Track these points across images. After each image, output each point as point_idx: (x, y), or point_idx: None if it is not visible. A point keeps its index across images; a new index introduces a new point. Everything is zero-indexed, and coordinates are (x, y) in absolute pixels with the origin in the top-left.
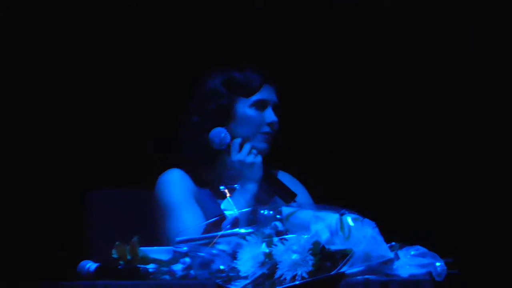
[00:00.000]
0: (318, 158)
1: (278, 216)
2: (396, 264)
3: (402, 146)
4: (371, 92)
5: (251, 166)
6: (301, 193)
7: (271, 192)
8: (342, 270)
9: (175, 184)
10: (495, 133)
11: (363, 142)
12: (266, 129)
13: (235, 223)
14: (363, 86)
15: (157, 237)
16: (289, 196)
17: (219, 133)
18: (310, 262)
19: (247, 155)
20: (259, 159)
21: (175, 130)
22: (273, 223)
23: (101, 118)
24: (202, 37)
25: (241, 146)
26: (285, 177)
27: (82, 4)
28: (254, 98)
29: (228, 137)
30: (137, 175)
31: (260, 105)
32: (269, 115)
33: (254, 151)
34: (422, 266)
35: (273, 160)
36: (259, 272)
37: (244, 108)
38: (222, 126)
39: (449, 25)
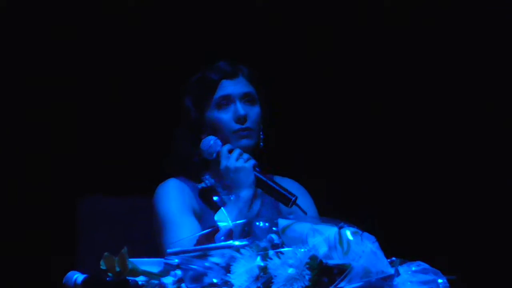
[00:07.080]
0: (317, 168)
1: (274, 229)
2: (397, 280)
3: (402, 158)
4: (369, 102)
5: (238, 171)
6: (305, 201)
7: (268, 197)
8: (340, 286)
9: (172, 196)
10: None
11: (362, 152)
12: (236, 126)
13: (229, 235)
14: (363, 95)
15: (157, 249)
16: (287, 199)
17: (208, 141)
18: (307, 277)
19: (235, 161)
20: (249, 163)
21: (170, 140)
22: (268, 236)
23: (97, 123)
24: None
25: (230, 152)
26: (282, 182)
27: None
28: (215, 98)
29: (218, 144)
30: (132, 182)
31: (224, 104)
32: (235, 110)
33: (245, 155)
34: (424, 283)
35: (273, 166)
36: (254, 287)
37: (211, 113)
38: (208, 135)
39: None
